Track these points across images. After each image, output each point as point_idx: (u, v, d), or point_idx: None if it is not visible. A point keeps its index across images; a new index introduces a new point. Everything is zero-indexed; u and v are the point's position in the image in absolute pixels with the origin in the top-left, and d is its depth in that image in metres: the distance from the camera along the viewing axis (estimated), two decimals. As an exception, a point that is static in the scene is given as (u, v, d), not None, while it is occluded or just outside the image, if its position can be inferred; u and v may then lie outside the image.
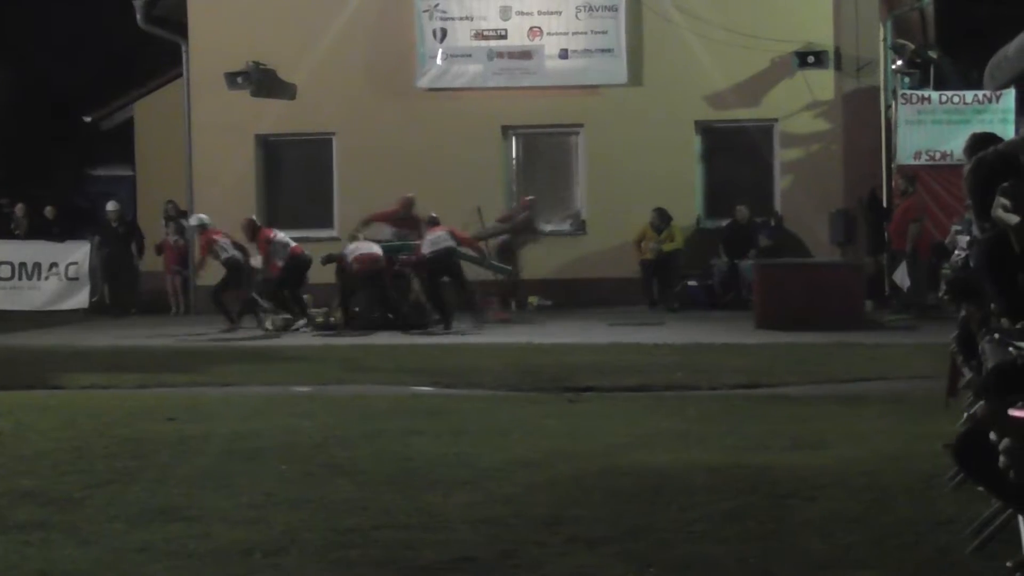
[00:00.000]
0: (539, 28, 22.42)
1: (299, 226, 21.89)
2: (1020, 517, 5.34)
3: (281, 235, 19.10)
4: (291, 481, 7.87)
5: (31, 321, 20.67)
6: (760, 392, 11.85)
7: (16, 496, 7.48)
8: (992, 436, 4.67)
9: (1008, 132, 18.67)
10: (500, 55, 22.46)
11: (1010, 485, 4.64)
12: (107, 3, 26.55)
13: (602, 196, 22.27)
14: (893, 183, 21.78)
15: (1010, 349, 5.21)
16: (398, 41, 22.57)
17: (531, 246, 21.39)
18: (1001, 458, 4.57)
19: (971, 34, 24.71)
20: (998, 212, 5.11)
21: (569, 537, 6.37)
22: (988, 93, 20.55)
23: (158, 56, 26.31)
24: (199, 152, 23.11)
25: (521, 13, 22.43)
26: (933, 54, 24.91)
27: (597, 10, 22.27)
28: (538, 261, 21.42)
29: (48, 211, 23.98)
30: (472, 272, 19.49)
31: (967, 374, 7.44)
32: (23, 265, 22.40)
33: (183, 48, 23.34)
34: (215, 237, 19.29)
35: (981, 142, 6.54)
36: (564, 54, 22.38)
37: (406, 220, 19.89)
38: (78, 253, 22.48)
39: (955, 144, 18.89)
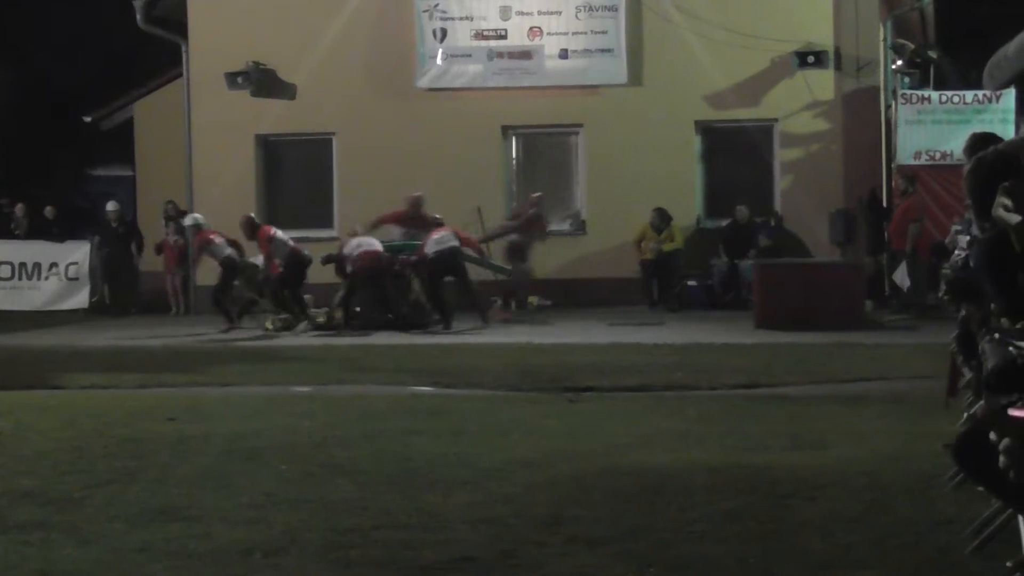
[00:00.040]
0: (539, 28, 22.42)
1: (299, 226, 21.89)
2: (1020, 517, 5.34)
3: (280, 233, 19.10)
4: (291, 481, 7.87)
5: (31, 321, 20.68)
6: (760, 392, 11.85)
7: (16, 496, 7.48)
8: (992, 436, 4.67)
9: (1008, 132, 18.67)
10: (500, 55, 22.46)
11: (1010, 485, 4.64)
12: (107, 3, 26.56)
13: (602, 196, 22.28)
14: (893, 183, 21.78)
15: (1010, 349, 5.21)
16: (398, 41, 22.57)
17: (537, 245, 21.34)
18: (1001, 458, 4.57)
19: (971, 34, 24.70)
20: (999, 212, 5.10)
21: (569, 537, 6.37)
22: (988, 93, 20.55)
23: (158, 56, 26.32)
24: (199, 152, 23.11)
25: (521, 13, 22.43)
26: (933, 54, 24.90)
27: (597, 10, 22.28)
28: (538, 261, 21.40)
29: (48, 211, 23.99)
30: (478, 273, 19.51)
31: (967, 374, 7.44)
32: (23, 265, 22.41)
33: (183, 48, 23.34)
34: (210, 237, 19.30)
35: (981, 142, 6.54)
36: (564, 54, 22.39)
37: (415, 219, 19.83)
38: (78, 253, 22.49)
39: (955, 144, 18.88)
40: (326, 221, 22.56)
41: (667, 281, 21.44)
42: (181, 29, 23.20)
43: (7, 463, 8.59)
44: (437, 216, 19.55)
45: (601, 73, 22.37)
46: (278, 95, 22.19)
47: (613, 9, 22.23)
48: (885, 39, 22.96)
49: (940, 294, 8.25)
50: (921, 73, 24.21)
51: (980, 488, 5.54)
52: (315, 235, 21.59)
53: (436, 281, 18.71)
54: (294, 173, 23.57)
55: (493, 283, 20.46)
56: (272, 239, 18.77)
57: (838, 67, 21.90)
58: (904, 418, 9.82)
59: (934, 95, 22.01)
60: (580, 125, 22.71)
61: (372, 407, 11.03)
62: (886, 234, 21.13)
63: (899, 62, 23.83)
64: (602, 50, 22.32)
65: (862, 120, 22.05)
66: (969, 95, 21.39)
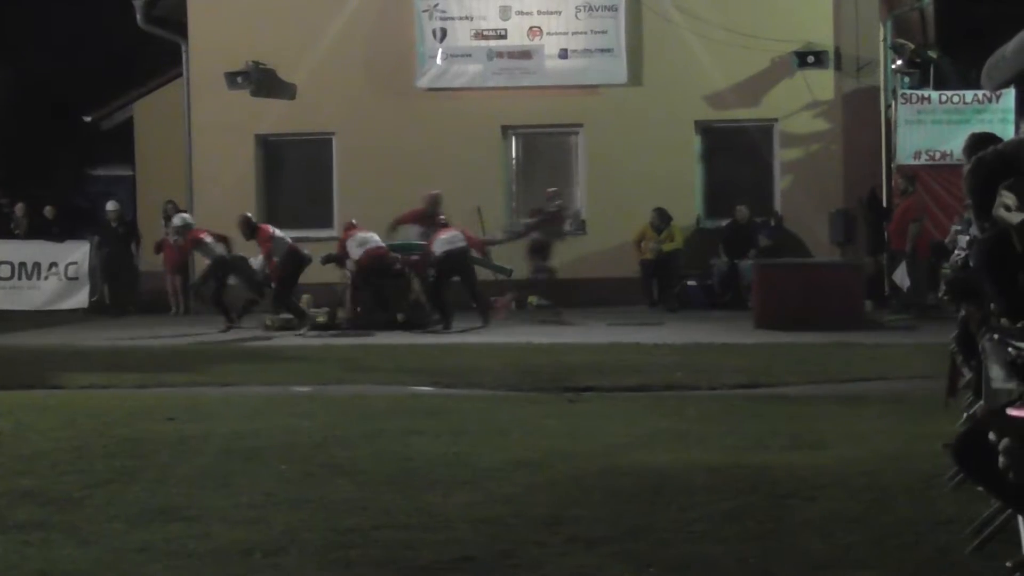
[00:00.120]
0: (539, 28, 22.42)
1: (299, 226, 21.90)
2: (1020, 517, 5.34)
3: (279, 232, 19.10)
4: (291, 481, 7.87)
5: (31, 321, 20.67)
6: (759, 392, 11.85)
7: (16, 496, 7.48)
8: (992, 436, 4.67)
9: (1008, 132, 18.67)
10: (500, 55, 22.46)
11: (1010, 485, 4.63)
12: (107, 3, 26.54)
13: (602, 196, 22.28)
14: (893, 183, 21.78)
15: (1009, 350, 5.21)
16: (398, 41, 22.57)
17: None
18: (1001, 458, 4.57)
19: (971, 34, 24.69)
20: (999, 211, 5.10)
21: (569, 537, 6.37)
22: (988, 93, 20.56)
23: (158, 56, 26.31)
24: (199, 152, 23.12)
25: (521, 13, 22.43)
26: (933, 54, 24.92)
27: (597, 10, 22.28)
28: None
29: (48, 211, 23.99)
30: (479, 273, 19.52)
31: (967, 374, 7.44)
32: (23, 265, 22.41)
33: (183, 48, 23.35)
34: (200, 236, 19.33)
35: (980, 142, 6.53)
36: (564, 54, 22.39)
37: (433, 217, 19.81)
38: (78, 253, 22.49)
39: (955, 144, 18.88)
40: (326, 221, 22.55)
41: (667, 281, 21.44)
42: (181, 29, 23.21)
43: (7, 463, 8.59)
44: (442, 216, 19.52)
45: (601, 73, 22.37)
46: (278, 95, 22.19)
47: (613, 9, 22.24)
48: (885, 39, 22.96)
49: (940, 294, 8.26)
50: (921, 73, 24.23)
51: (980, 488, 5.54)
52: (315, 235, 21.58)
53: (441, 281, 18.70)
54: (294, 173, 23.58)
55: (494, 283, 20.44)
56: (272, 238, 18.76)
57: (838, 67, 21.91)
58: (904, 418, 9.82)
59: (934, 95, 22.01)
60: (580, 125, 22.71)
61: (372, 407, 11.03)
62: (886, 234, 21.13)
63: (899, 62, 23.83)
64: (602, 50, 22.32)
65: (862, 120, 22.06)
66: (969, 95, 21.40)
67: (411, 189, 21.31)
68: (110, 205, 23.77)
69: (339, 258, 19.02)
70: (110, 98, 28.07)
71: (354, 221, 19.33)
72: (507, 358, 14.51)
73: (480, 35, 22.54)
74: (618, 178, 22.01)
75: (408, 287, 19.36)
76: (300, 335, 18.01)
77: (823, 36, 21.88)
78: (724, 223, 21.95)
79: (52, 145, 32.85)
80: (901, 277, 19.67)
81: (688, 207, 22.21)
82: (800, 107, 22.17)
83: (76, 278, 22.39)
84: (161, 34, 23.61)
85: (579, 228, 22.54)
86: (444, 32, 22.55)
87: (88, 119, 28.14)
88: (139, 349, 16.69)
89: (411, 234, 19.68)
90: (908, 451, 8.37)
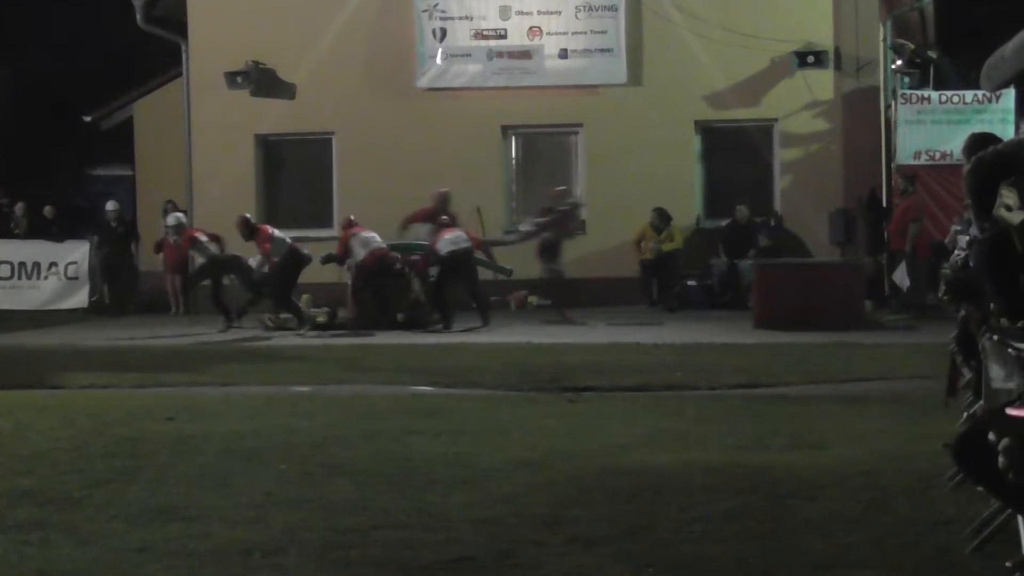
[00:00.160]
0: (539, 28, 22.42)
1: (299, 226, 21.91)
2: (1020, 517, 5.34)
3: (278, 233, 19.10)
4: (290, 481, 7.87)
5: (30, 320, 20.67)
6: (759, 392, 11.85)
7: (15, 496, 7.48)
8: (991, 436, 4.66)
9: (1008, 132, 18.67)
10: (500, 55, 22.46)
11: (1010, 485, 4.63)
12: (107, 3, 26.54)
13: (602, 196, 22.26)
14: (893, 183, 21.78)
15: (1009, 351, 5.21)
16: (398, 41, 22.57)
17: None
18: (1001, 458, 4.57)
19: (971, 34, 24.69)
20: (1000, 211, 5.10)
21: (568, 537, 6.37)
22: (988, 93, 20.54)
23: (158, 56, 26.32)
24: (199, 152, 23.12)
25: (521, 13, 22.43)
26: (933, 54, 24.91)
27: (597, 10, 22.28)
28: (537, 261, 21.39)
29: (47, 211, 23.99)
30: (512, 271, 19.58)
31: (967, 374, 7.44)
32: (23, 264, 22.41)
33: (183, 48, 23.35)
34: (195, 235, 19.36)
35: (980, 142, 6.53)
36: (564, 54, 22.39)
37: (443, 216, 19.80)
38: (77, 253, 22.49)
39: (955, 144, 18.88)
40: (326, 221, 22.55)
41: (667, 281, 21.44)
42: (181, 29, 23.21)
43: (6, 462, 8.59)
44: (445, 217, 19.49)
45: (601, 73, 22.37)
46: (278, 95, 22.19)
47: (613, 9, 22.24)
48: (885, 39, 22.96)
49: (940, 294, 8.25)
50: (921, 73, 24.22)
51: (980, 488, 5.54)
52: (315, 235, 21.59)
53: (445, 281, 18.69)
54: (294, 173, 23.59)
55: (496, 284, 20.43)
56: (271, 238, 18.76)
57: (838, 67, 21.91)
58: (904, 418, 9.82)
59: (934, 95, 22.01)
60: (580, 125, 22.71)
61: (372, 407, 11.02)
62: (886, 234, 21.13)
63: (899, 62, 23.83)
64: (602, 50, 22.32)
65: (862, 120, 22.06)
66: (969, 95, 21.39)
67: (411, 189, 21.32)
68: (110, 205, 23.78)
69: (340, 257, 19.01)
70: (110, 98, 28.08)
71: (352, 218, 19.32)
72: (507, 358, 14.51)
73: (480, 35, 22.54)
74: (618, 178, 22.01)
75: (408, 287, 19.36)
76: (300, 335, 17.99)
77: (823, 36, 21.88)
78: (724, 223, 21.96)
79: (52, 145, 32.85)
80: (901, 277, 19.67)
81: (688, 207, 22.21)
82: (800, 107, 22.17)
83: (76, 278, 22.39)
84: (161, 34, 23.62)
85: (579, 228, 22.51)
86: (444, 32, 22.56)
87: (88, 119, 28.15)
88: (139, 349, 16.69)
89: (421, 232, 19.63)
90: (908, 451, 8.37)
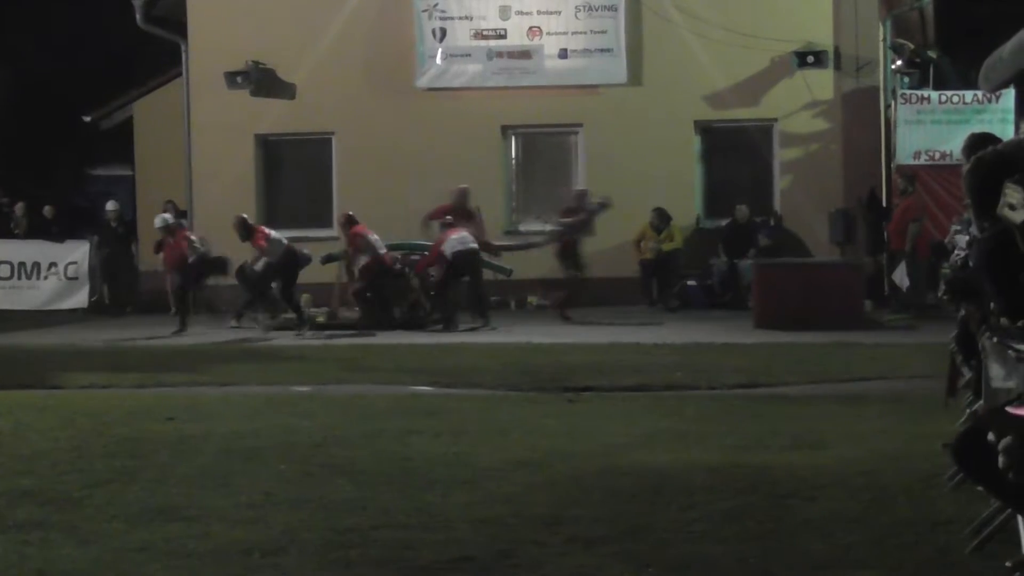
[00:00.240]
0: (538, 28, 22.42)
1: (299, 226, 21.93)
2: (1020, 517, 5.34)
3: (275, 234, 19.10)
4: (290, 481, 7.87)
5: (30, 320, 20.67)
6: (759, 392, 11.85)
7: (15, 495, 7.48)
8: (991, 437, 4.67)
9: (1008, 132, 18.67)
10: (499, 55, 22.46)
11: (1009, 485, 4.64)
12: (107, 3, 26.54)
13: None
14: (893, 183, 21.78)
15: (1009, 352, 5.21)
16: (397, 41, 22.57)
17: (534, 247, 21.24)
18: (1000, 458, 4.57)
19: (971, 34, 24.69)
20: (1004, 210, 5.10)
21: (568, 537, 6.37)
22: (988, 93, 20.53)
23: (158, 56, 26.31)
24: (199, 152, 23.11)
25: (520, 13, 22.43)
26: (932, 54, 24.91)
27: (596, 10, 22.27)
28: (537, 261, 21.38)
29: (47, 210, 23.98)
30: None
31: (967, 374, 7.44)
32: (22, 264, 22.40)
33: (183, 48, 23.34)
34: (186, 233, 19.45)
35: (979, 142, 6.54)
36: (563, 54, 22.38)
37: (462, 212, 19.79)
38: (77, 253, 22.49)
39: (954, 144, 18.86)
40: (326, 221, 22.53)
41: (667, 281, 21.43)
42: (181, 29, 23.20)
43: (6, 462, 8.59)
44: (449, 217, 19.46)
45: (601, 73, 22.37)
46: (278, 95, 22.19)
47: (612, 9, 22.23)
48: (885, 39, 22.95)
49: (940, 294, 8.26)
50: (921, 73, 24.21)
51: (980, 488, 5.54)
52: (314, 235, 21.60)
53: (450, 281, 18.68)
54: (294, 173, 23.58)
55: (495, 283, 20.42)
56: (268, 238, 18.75)
57: (838, 67, 21.90)
58: (904, 418, 9.82)
59: (933, 95, 22.01)
60: (579, 125, 22.71)
61: (372, 407, 11.03)
62: (885, 234, 21.13)
63: (899, 62, 23.83)
64: (601, 50, 22.32)
65: (862, 120, 22.05)
66: (969, 95, 21.39)
67: (411, 189, 21.35)
68: (110, 205, 23.76)
69: (354, 254, 18.84)
70: (110, 98, 28.06)
71: (351, 213, 19.24)
72: (507, 358, 14.51)
73: (480, 35, 22.53)
74: (618, 178, 21.98)
75: (408, 287, 19.35)
76: (299, 335, 17.99)
77: (823, 36, 21.88)
78: (724, 223, 21.95)
79: (52, 145, 32.84)
80: (901, 277, 19.66)
81: (688, 207, 22.20)
82: (800, 107, 22.17)
83: (76, 278, 22.38)
84: (161, 34, 23.61)
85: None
86: (444, 32, 22.55)
87: (88, 119, 28.13)
88: (139, 349, 16.70)
89: (436, 230, 19.55)
90: (908, 451, 8.37)
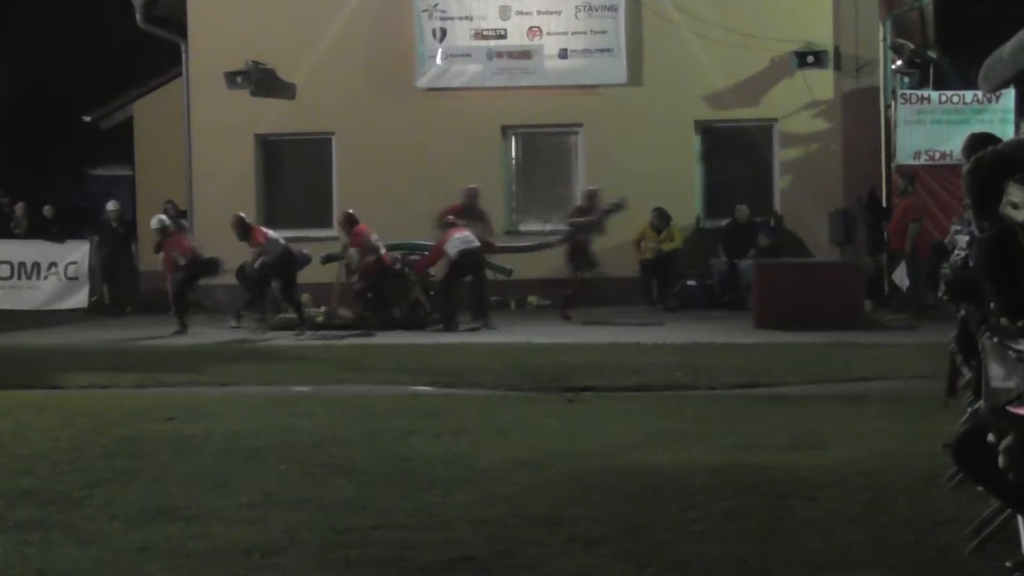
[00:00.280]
0: (538, 28, 22.42)
1: (298, 226, 21.94)
2: (1020, 517, 5.34)
3: (273, 233, 19.11)
4: (290, 481, 7.87)
5: (30, 320, 20.67)
6: (759, 392, 11.85)
7: (15, 495, 7.48)
8: (991, 437, 4.67)
9: (1008, 132, 18.67)
10: (500, 55, 22.46)
11: (1009, 485, 4.64)
12: (107, 3, 26.54)
13: (602, 196, 22.23)
14: (893, 183, 21.78)
15: (1010, 353, 5.21)
16: (397, 41, 22.57)
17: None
18: (1001, 458, 4.57)
19: (971, 34, 24.70)
20: (1006, 209, 5.10)
21: (568, 537, 6.37)
22: (987, 93, 20.53)
23: (158, 56, 26.31)
24: (199, 152, 23.11)
25: (520, 13, 22.43)
26: (932, 54, 24.90)
27: (596, 10, 22.28)
28: (537, 261, 21.40)
29: (47, 211, 23.98)
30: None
31: (967, 374, 7.44)
32: (23, 265, 22.40)
33: (183, 48, 23.34)
34: (180, 239, 19.48)
35: (979, 142, 6.54)
36: (563, 54, 22.39)
37: (473, 212, 19.78)
38: (77, 253, 22.49)
39: (955, 144, 18.86)
40: (326, 221, 22.53)
41: (666, 281, 21.43)
42: (181, 29, 23.20)
43: (6, 462, 8.59)
44: (451, 217, 19.44)
45: (601, 73, 22.37)
46: (278, 95, 22.19)
47: (613, 9, 22.23)
48: (885, 39, 22.95)
49: (940, 294, 8.26)
50: (921, 73, 24.21)
51: (980, 488, 5.54)
52: (314, 235, 21.60)
53: (453, 280, 18.68)
54: (294, 173, 23.58)
55: (496, 283, 20.42)
56: (267, 237, 18.75)
57: (838, 67, 21.91)
58: (904, 418, 9.82)
59: (934, 95, 22.00)
60: (579, 125, 22.71)
61: (372, 407, 11.03)
62: (885, 234, 21.13)
63: (899, 62, 23.83)
64: (602, 50, 22.32)
65: (862, 120, 22.05)
66: (969, 95, 21.38)
67: (411, 189, 21.35)
68: (110, 205, 23.75)
69: (363, 252, 18.79)
70: (110, 98, 28.06)
71: (352, 212, 19.21)
72: (507, 358, 14.51)
73: (480, 35, 22.53)
74: (618, 178, 21.96)
75: (408, 287, 19.35)
76: (299, 335, 17.99)
77: (823, 36, 21.88)
78: (724, 223, 21.95)
79: (52, 145, 32.85)
80: (901, 277, 19.66)
81: (688, 207, 22.21)
82: (800, 107, 22.17)
83: (76, 278, 22.38)
84: (161, 34, 23.61)
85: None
86: (444, 32, 22.55)
87: (88, 119, 28.13)
88: (139, 349, 16.70)
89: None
90: (908, 451, 8.37)
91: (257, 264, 18.59)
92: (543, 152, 23.26)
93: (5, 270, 22.37)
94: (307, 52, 22.34)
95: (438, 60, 22.59)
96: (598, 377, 12.68)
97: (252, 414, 10.66)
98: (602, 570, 5.85)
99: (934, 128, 21.38)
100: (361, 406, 11.08)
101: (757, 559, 5.95)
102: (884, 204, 21.94)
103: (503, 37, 22.48)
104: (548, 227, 22.24)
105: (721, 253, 21.65)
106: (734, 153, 22.70)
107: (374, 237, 18.90)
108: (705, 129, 22.67)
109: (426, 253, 19.34)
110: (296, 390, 12.43)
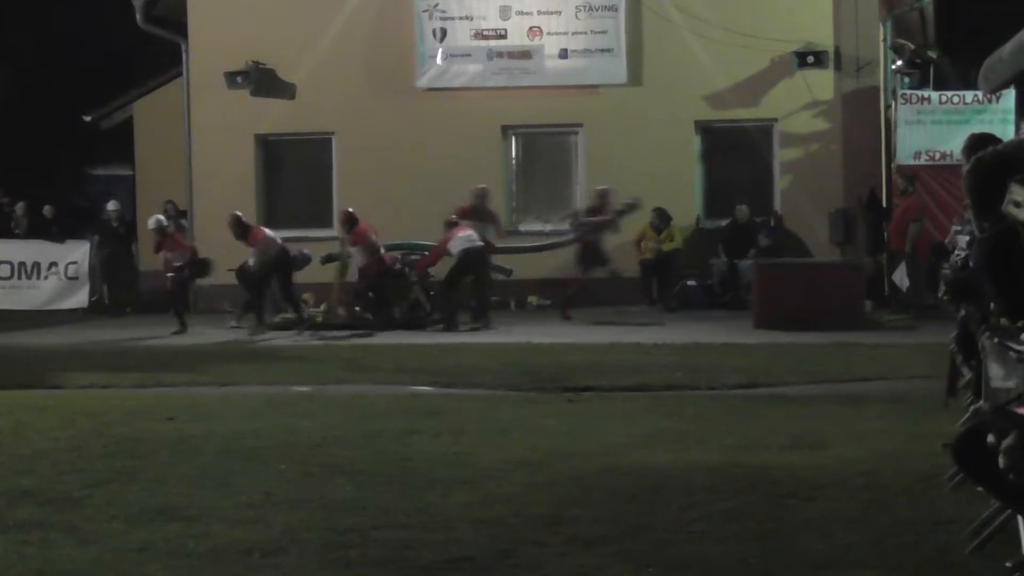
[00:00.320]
0: (539, 28, 22.42)
1: (298, 226, 21.94)
2: (1020, 517, 5.34)
3: (270, 232, 19.10)
4: (290, 481, 7.87)
5: (30, 320, 20.68)
6: (759, 392, 11.85)
7: (15, 495, 7.48)
8: (991, 438, 4.67)
9: (1008, 132, 18.67)
10: (500, 55, 22.46)
11: (1010, 485, 4.64)
12: (107, 3, 26.54)
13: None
14: (893, 183, 21.78)
15: (1010, 353, 5.21)
16: (398, 41, 22.57)
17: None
18: (1001, 458, 4.57)
19: (971, 34, 24.70)
20: (1009, 207, 5.10)
21: (568, 537, 6.37)
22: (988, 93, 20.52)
23: (158, 56, 26.31)
24: (199, 152, 23.11)
25: (521, 13, 22.43)
26: (933, 54, 24.90)
27: (597, 10, 22.28)
28: (537, 261, 21.40)
29: (47, 211, 23.98)
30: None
31: (967, 374, 7.44)
32: (23, 265, 22.40)
33: (183, 48, 23.33)
34: (178, 239, 19.52)
35: (979, 142, 6.54)
36: (564, 54, 22.39)
37: (483, 212, 19.78)
38: (77, 253, 22.49)
39: (955, 144, 18.85)
40: (326, 221, 22.53)
41: (667, 281, 21.42)
42: (181, 28, 23.20)
43: (6, 462, 8.59)
44: (455, 216, 19.44)
45: (601, 73, 22.37)
46: (278, 95, 22.18)
47: (613, 9, 22.23)
48: (885, 39, 22.95)
49: (940, 294, 8.26)
50: (921, 73, 24.21)
51: (980, 488, 5.54)
52: (314, 235, 21.60)
53: (456, 279, 18.69)
54: (294, 173, 23.57)
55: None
56: (265, 237, 18.75)
57: (838, 67, 21.91)
58: (904, 418, 9.82)
59: (934, 95, 22.00)
60: (580, 125, 22.71)
61: (372, 407, 11.03)
62: (885, 234, 21.13)
63: (899, 62, 23.82)
64: (602, 50, 22.32)
65: (862, 120, 22.05)
66: (969, 95, 21.37)
67: (411, 189, 21.34)
68: (111, 205, 23.76)
69: (368, 252, 18.78)
70: (110, 98, 28.07)
71: (352, 211, 19.19)
72: (507, 358, 14.51)
73: (480, 35, 22.53)
74: (618, 178, 21.94)
75: (408, 287, 19.35)
76: (298, 334, 18.00)
77: (823, 36, 21.88)
78: (724, 223, 21.96)
79: (52, 145, 32.85)
80: (901, 277, 19.67)
81: (688, 207, 22.20)
82: (800, 107, 22.17)
83: (76, 278, 22.38)
84: (161, 34, 23.60)
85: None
86: (444, 32, 22.55)
87: (88, 119, 28.14)
88: (139, 349, 16.70)
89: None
90: (908, 451, 8.37)
91: (255, 264, 18.59)
92: (543, 152, 23.26)
93: (5, 270, 22.37)
94: (307, 52, 22.34)
95: (438, 60, 22.59)
96: (598, 377, 12.68)
97: (252, 414, 10.66)
98: (602, 570, 5.85)
99: (934, 128, 21.38)
100: (361, 406, 11.08)
101: (757, 559, 5.95)
102: (884, 204, 21.94)
103: (503, 37, 22.48)
104: (548, 227, 22.24)
105: (721, 253, 21.66)
106: (734, 153, 22.70)
107: (374, 236, 18.91)
108: (705, 129, 22.67)
109: (425, 253, 19.34)
110: (296, 390, 12.43)
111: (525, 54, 22.42)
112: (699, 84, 22.12)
